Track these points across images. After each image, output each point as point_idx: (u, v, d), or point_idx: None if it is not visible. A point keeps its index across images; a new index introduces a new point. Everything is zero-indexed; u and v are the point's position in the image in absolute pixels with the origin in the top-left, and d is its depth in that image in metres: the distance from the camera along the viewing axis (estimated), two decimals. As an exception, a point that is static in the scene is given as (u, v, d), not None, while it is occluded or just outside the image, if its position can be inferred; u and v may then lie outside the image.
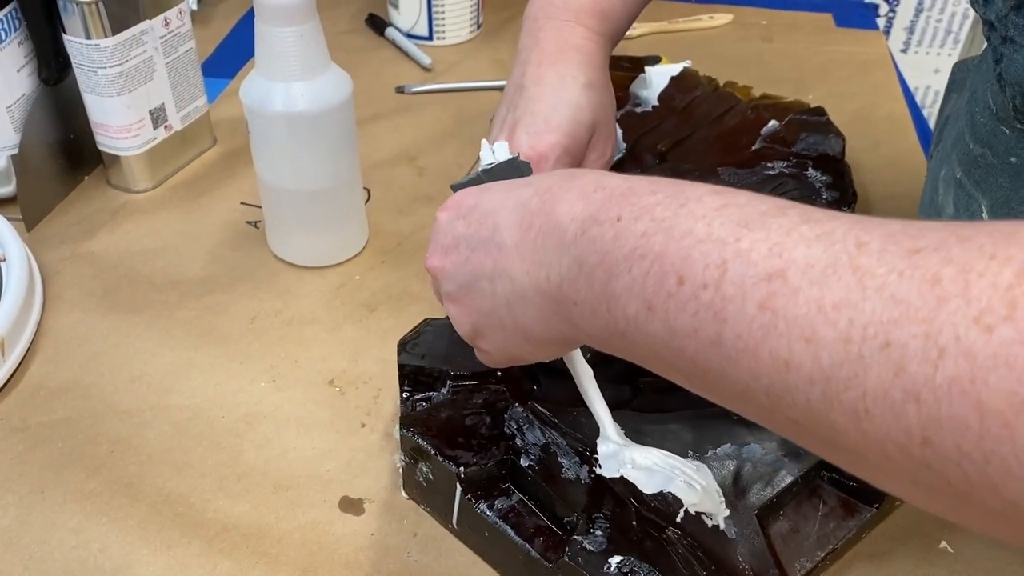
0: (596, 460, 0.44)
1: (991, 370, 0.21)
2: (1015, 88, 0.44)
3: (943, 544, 0.48)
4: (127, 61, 0.67)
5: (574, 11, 0.56)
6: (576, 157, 0.54)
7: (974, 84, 0.51)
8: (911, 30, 1.80)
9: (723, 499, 0.43)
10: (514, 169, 0.45)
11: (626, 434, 0.45)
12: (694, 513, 0.43)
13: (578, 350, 0.46)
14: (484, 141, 0.48)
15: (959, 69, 0.59)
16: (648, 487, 0.42)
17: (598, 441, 0.44)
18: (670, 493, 0.42)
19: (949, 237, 0.24)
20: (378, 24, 0.96)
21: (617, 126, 0.57)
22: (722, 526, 0.43)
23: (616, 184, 0.33)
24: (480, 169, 0.45)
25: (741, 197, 0.30)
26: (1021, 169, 0.45)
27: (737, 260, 0.27)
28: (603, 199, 0.33)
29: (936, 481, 0.23)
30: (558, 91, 0.53)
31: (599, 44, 0.56)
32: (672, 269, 0.29)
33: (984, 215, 0.47)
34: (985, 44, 0.48)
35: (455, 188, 0.45)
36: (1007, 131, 0.46)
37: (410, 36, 0.93)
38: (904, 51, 1.82)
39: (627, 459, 0.42)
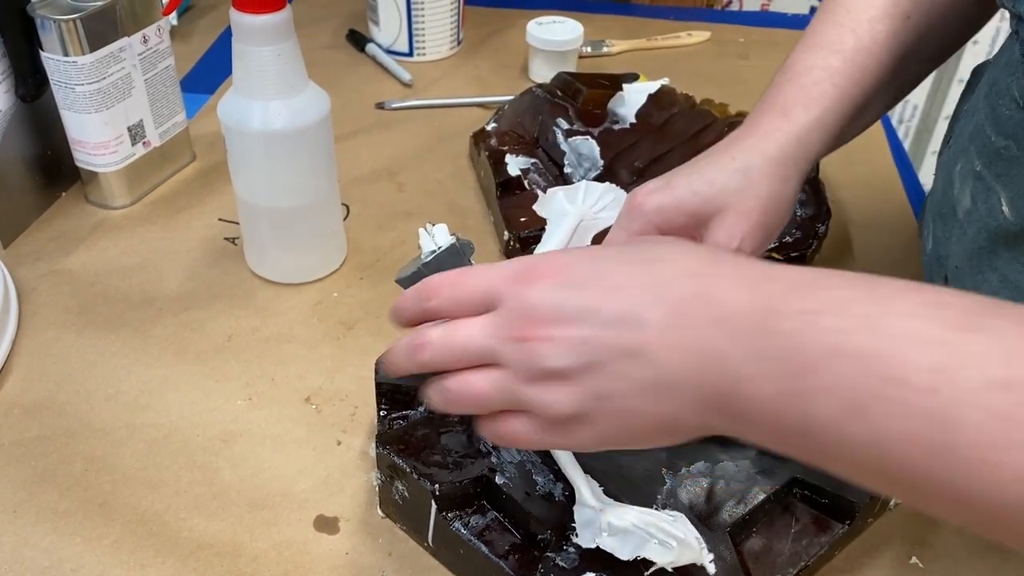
0: (573, 527, 0.43)
1: None
2: None
3: (914, 559, 0.48)
4: (105, 78, 0.67)
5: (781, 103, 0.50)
6: (671, 224, 0.47)
7: (994, 77, 0.51)
8: (889, 46, 1.82)
9: (704, 545, 0.42)
10: (455, 254, 0.44)
11: (603, 454, 0.45)
12: (671, 571, 0.42)
13: None
14: (421, 229, 0.47)
15: (978, 72, 0.60)
16: (623, 553, 0.41)
17: (575, 508, 0.44)
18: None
19: None
20: (359, 40, 0.96)
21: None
22: (711, 571, 0.42)
23: (786, 274, 0.33)
24: (422, 260, 0.44)
25: (944, 295, 0.29)
26: None
27: (966, 365, 0.26)
28: (781, 290, 0.32)
29: None
30: (704, 164, 0.48)
31: (784, 137, 0.49)
32: (884, 371, 0.28)
33: (1004, 208, 0.47)
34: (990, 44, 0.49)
35: (400, 283, 0.44)
36: None
37: (390, 52, 0.94)
38: (882, 67, 1.85)
39: (603, 525, 0.42)
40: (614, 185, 0.55)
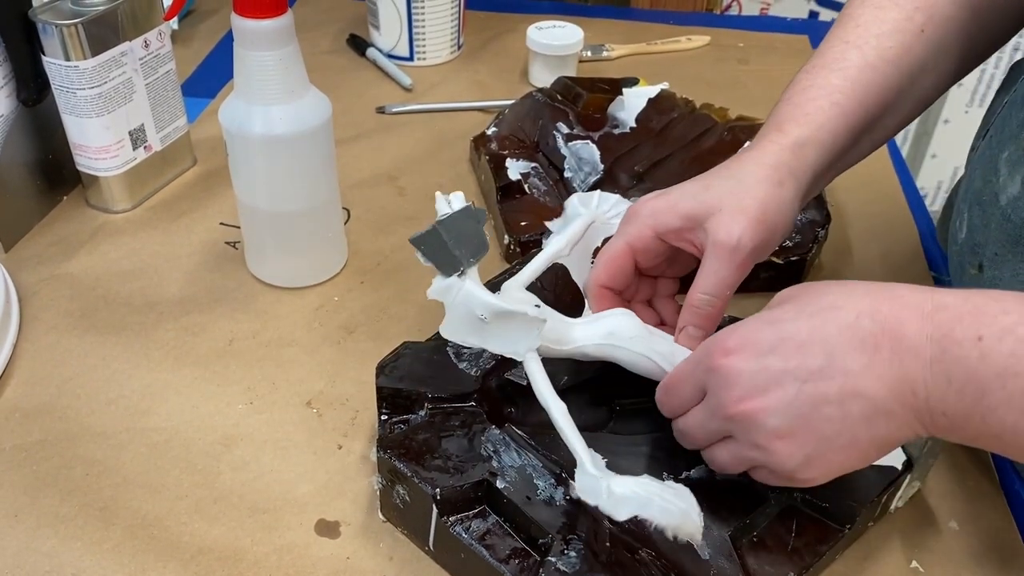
0: (572, 484, 0.44)
1: None
2: None
3: (914, 564, 0.48)
4: (106, 82, 0.67)
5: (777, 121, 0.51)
6: (667, 226, 0.49)
7: None
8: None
9: (702, 519, 0.43)
10: (469, 216, 0.46)
11: (603, 455, 0.46)
12: (673, 537, 0.43)
13: (550, 387, 0.46)
14: (438, 193, 0.48)
15: (1016, 68, 0.59)
16: (620, 514, 0.42)
17: (576, 472, 0.44)
18: (646, 520, 0.43)
19: None
20: (359, 44, 0.97)
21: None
22: (703, 549, 0.43)
23: (953, 302, 0.37)
24: (437, 220, 0.46)
25: None
26: None
27: None
28: (951, 319, 0.36)
29: None
30: (701, 176, 0.50)
31: (776, 148, 0.49)
32: None
33: None
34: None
35: (414, 242, 0.45)
36: None
37: (391, 57, 0.94)
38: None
39: (603, 489, 0.43)
40: (625, 199, 0.55)
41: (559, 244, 0.53)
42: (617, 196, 0.56)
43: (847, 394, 0.38)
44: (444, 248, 0.45)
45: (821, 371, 0.38)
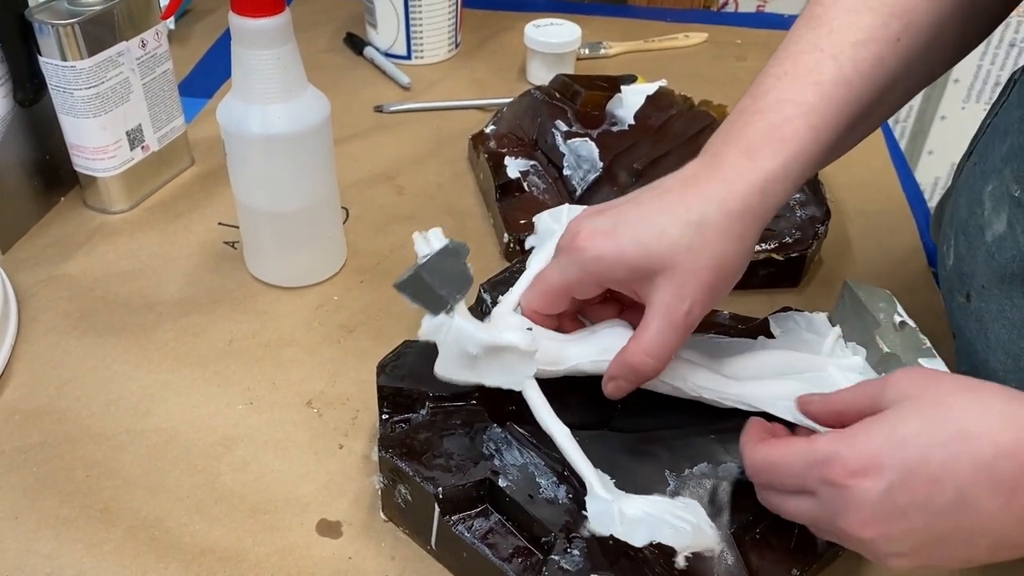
0: (585, 519, 0.44)
1: None
2: None
3: (917, 560, 0.48)
4: (103, 83, 0.66)
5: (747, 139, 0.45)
6: (610, 277, 0.45)
7: None
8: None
9: (716, 532, 0.43)
10: (450, 254, 0.45)
11: (605, 453, 0.45)
12: (688, 556, 0.42)
13: (551, 413, 0.46)
14: (416, 234, 0.46)
15: (1014, 81, 0.56)
16: (637, 540, 0.41)
17: (587, 499, 0.44)
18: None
19: None
20: (356, 43, 0.96)
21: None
22: (726, 558, 0.43)
23: None
24: (418, 263, 0.44)
25: None
26: None
27: None
28: None
29: None
30: (656, 210, 0.44)
31: (746, 188, 0.44)
32: None
33: None
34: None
35: (398, 287, 0.44)
36: None
37: (388, 55, 0.94)
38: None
39: (616, 514, 0.42)
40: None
41: (541, 263, 0.51)
42: (585, 209, 0.54)
43: (978, 532, 0.37)
44: (429, 289, 0.44)
45: (952, 510, 0.37)
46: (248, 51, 0.56)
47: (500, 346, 0.45)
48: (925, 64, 0.49)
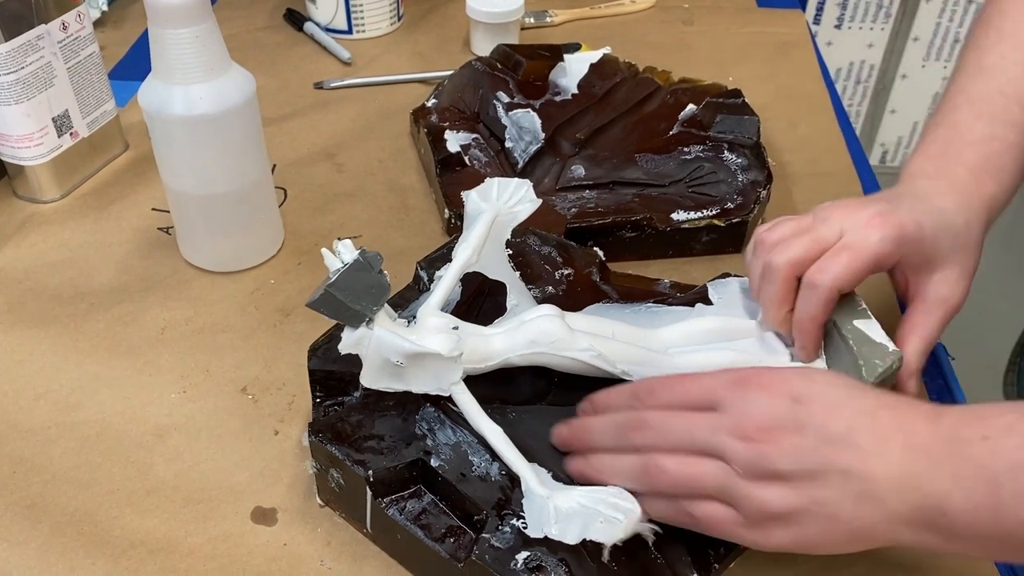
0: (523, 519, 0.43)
1: None
2: None
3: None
4: (23, 67, 0.64)
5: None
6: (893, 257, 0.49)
7: None
8: (844, 6, 1.82)
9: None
10: (362, 268, 0.43)
11: (539, 428, 0.45)
12: (617, 543, 0.41)
13: (483, 413, 0.45)
14: (324, 250, 0.45)
15: None
16: (569, 538, 0.40)
17: (523, 500, 0.43)
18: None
19: None
20: (296, 19, 0.94)
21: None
22: (650, 540, 0.43)
23: (952, 410, 0.39)
24: (328, 281, 0.43)
25: None
26: None
27: None
28: (957, 422, 0.38)
29: None
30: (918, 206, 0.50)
31: (987, 204, 0.52)
32: None
33: None
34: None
35: (312, 307, 0.43)
36: None
37: (329, 30, 0.92)
38: (838, 27, 1.84)
39: (550, 512, 0.41)
40: (526, 180, 0.53)
41: (465, 255, 0.50)
42: (515, 181, 0.53)
43: (852, 471, 0.38)
44: (342, 306, 0.43)
45: (841, 440, 0.39)
46: (166, 30, 0.54)
47: (422, 354, 0.44)
48: None
